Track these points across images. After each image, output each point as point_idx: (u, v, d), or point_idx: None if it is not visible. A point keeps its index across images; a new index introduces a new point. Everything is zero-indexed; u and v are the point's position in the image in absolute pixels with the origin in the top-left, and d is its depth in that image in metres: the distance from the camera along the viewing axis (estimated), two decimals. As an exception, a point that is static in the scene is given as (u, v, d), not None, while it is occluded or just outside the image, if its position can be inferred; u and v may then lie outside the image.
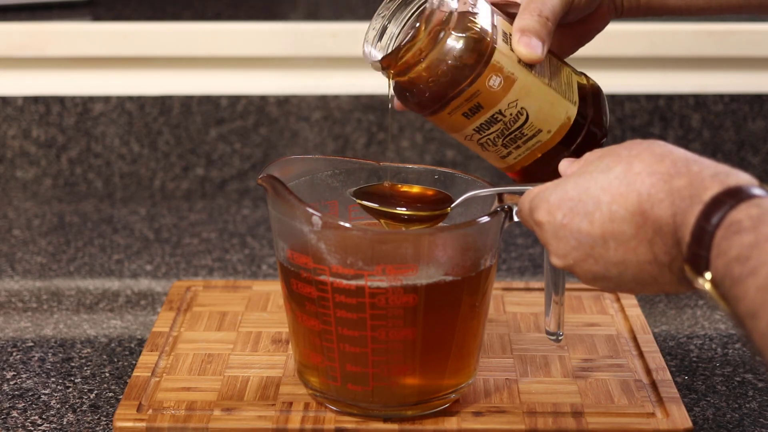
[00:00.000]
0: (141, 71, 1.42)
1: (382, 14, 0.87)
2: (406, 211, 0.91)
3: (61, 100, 1.40)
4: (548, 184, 0.80)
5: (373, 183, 0.94)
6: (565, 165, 0.83)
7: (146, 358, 0.97)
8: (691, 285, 0.73)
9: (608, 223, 0.75)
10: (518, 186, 0.87)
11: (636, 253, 0.75)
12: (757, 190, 0.70)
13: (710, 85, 1.42)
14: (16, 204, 1.39)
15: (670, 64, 1.43)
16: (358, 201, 0.91)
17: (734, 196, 0.70)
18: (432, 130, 1.42)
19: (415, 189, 0.93)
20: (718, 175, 0.72)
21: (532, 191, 0.82)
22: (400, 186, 0.94)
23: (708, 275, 0.70)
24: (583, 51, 1.43)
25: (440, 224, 0.93)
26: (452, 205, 0.90)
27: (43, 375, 0.99)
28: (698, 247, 0.70)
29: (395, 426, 0.88)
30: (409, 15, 0.87)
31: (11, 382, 0.97)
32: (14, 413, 0.93)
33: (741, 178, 0.72)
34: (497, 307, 1.06)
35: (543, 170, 0.89)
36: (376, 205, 0.91)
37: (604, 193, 0.76)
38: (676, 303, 1.13)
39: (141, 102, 1.41)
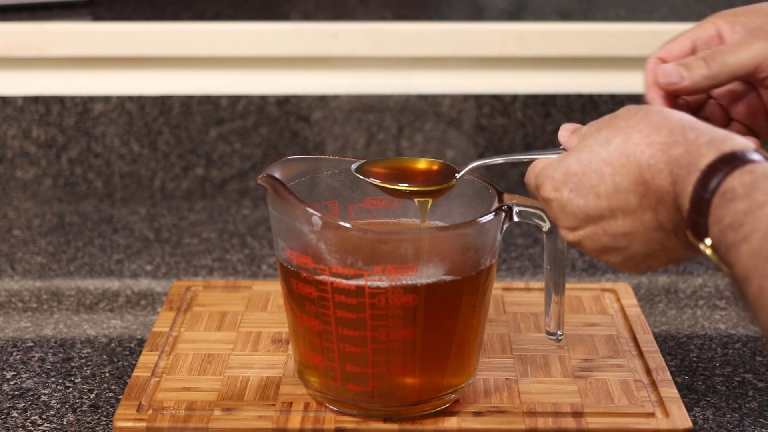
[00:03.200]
0: (141, 71, 1.42)
1: None
2: (408, 187, 0.90)
3: (61, 100, 1.40)
4: (551, 161, 0.81)
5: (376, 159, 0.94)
6: (565, 136, 0.84)
7: (146, 358, 0.97)
8: (696, 250, 0.74)
9: (614, 194, 0.77)
10: (526, 154, 0.87)
11: (642, 221, 0.77)
12: (753, 155, 0.71)
13: (710, 85, 1.42)
14: (16, 204, 1.39)
15: (670, 64, 1.42)
16: (362, 177, 0.91)
17: (729, 162, 0.71)
18: (432, 130, 1.42)
19: (421, 163, 0.93)
20: (713, 141, 0.73)
21: (536, 168, 0.83)
22: (404, 160, 0.94)
23: (708, 241, 0.71)
24: (584, 51, 1.43)
25: (440, 224, 0.93)
26: (459, 175, 0.90)
27: (43, 375, 0.99)
28: (697, 214, 0.71)
29: (395, 426, 0.88)
30: None
31: (11, 382, 0.97)
32: (14, 413, 0.93)
33: (736, 142, 0.73)
34: (497, 307, 1.06)
35: None
36: (378, 181, 0.90)
37: (606, 165, 0.77)
38: (676, 303, 1.13)
39: (141, 102, 1.41)
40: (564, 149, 0.84)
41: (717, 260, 0.71)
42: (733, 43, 0.85)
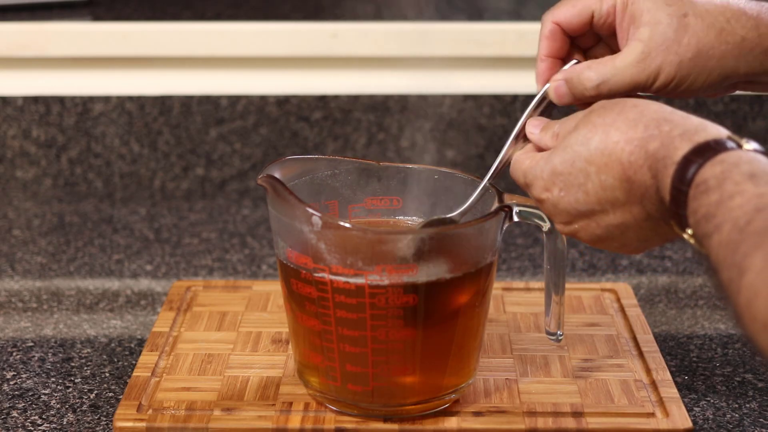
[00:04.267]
0: (141, 71, 1.42)
1: None
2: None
3: (61, 100, 1.40)
4: (536, 160, 0.83)
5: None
6: (535, 134, 0.85)
7: (146, 358, 0.97)
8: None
9: (601, 191, 0.78)
10: (500, 162, 0.88)
11: (632, 213, 0.78)
12: (725, 143, 0.72)
13: (710, 85, 1.42)
14: (16, 204, 1.39)
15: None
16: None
17: (702, 154, 0.72)
18: (432, 130, 1.42)
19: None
20: (686, 132, 0.74)
21: (522, 165, 0.84)
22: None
23: (690, 231, 0.72)
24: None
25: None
26: (460, 219, 0.90)
27: (43, 375, 0.99)
28: (676, 206, 0.73)
29: (395, 426, 0.88)
30: None
31: (11, 382, 0.97)
32: (14, 413, 0.93)
33: (709, 132, 0.74)
34: (497, 307, 1.06)
35: None
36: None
37: (590, 164, 0.79)
38: (676, 303, 1.13)
39: (141, 102, 1.41)
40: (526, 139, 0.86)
41: (698, 249, 0.72)
42: (621, 66, 0.85)
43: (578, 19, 0.88)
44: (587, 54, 0.91)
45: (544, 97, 0.88)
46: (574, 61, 0.89)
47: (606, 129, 0.78)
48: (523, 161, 0.84)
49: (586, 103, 0.87)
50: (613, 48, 0.90)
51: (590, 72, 0.86)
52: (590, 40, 0.90)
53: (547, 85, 0.88)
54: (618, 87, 0.86)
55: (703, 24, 0.84)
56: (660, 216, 0.77)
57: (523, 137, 0.88)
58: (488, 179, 0.89)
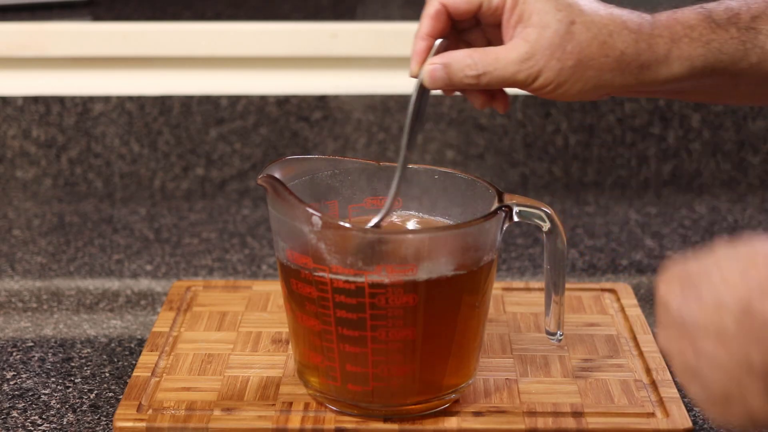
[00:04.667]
0: (141, 71, 1.42)
1: None
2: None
3: (61, 100, 1.40)
4: (692, 255, 0.69)
5: None
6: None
7: (146, 358, 0.97)
8: None
9: (714, 310, 0.64)
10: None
11: (730, 352, 0.64)
12: None
13: (710, 85, 1.42)
14: (16, 204, 1.39)
15: (670, 64, 1.42)
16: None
17: None
18: (432, 130, 1.42)
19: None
20: None
21: (682, 258, 0.70)
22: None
23: None
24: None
25: (441, 224, 0.94)
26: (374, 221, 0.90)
27: (43, 375, 0.99)
28: None
29: (395, 426, 0.88)
30: None
31: (11, 382, 0.98)
32: (14, 413, 0.93)
33: None
34: (497, 307, 1.06)
35: None
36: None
37: (717, 268, 0.65)
38: (676, 303, 1.13)
39: (141, 102, 1.41)
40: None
41: None
42: (503, 61, 0.86)
43: (466, 6, 0.87)
44: (462, 36, 0.91)
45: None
46: (440, 40, 0.88)
47: (757, 249, 0.64)
48: (686, 256, 0.69)
49: (458, 91, 0.88)
50: (491, 37, 0.90)
51: (471, 60, 0.86)
52: (469, 23, 0.90)
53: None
54: (497, 81, 0.86)
55: (588, 35, 0.85)
56: (764, 372, 0.62)
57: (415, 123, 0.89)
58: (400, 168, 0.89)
